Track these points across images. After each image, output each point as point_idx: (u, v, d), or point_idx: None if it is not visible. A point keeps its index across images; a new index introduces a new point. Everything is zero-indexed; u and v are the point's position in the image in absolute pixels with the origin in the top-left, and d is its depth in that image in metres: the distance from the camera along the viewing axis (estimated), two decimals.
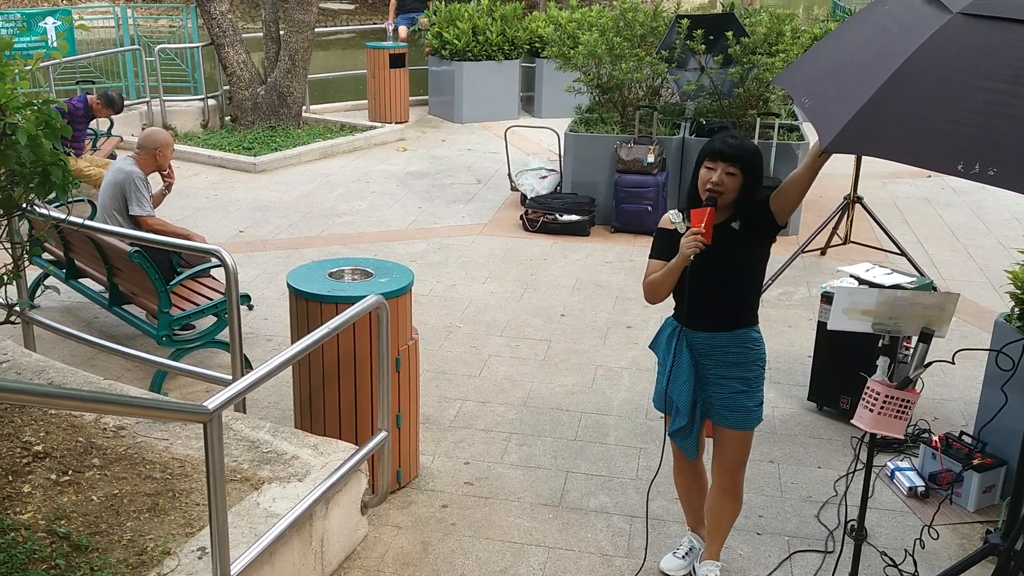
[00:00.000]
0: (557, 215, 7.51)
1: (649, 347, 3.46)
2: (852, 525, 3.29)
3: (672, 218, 3.21)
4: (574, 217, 7.49)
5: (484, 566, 3.61)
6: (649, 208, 7.34)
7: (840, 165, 7.49)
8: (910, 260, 6.46)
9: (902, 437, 3.13)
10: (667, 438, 3.38)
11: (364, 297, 3.49)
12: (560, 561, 3.64)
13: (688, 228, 3.06)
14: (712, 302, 3.14)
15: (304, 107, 11.00)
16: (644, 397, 4.88)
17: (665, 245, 3.18)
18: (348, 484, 3.56)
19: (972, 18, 2.45)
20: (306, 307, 3.82)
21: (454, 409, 4.81)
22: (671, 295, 3.21)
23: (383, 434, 3.70)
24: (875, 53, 2.68)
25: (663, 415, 3.41)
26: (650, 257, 3.23)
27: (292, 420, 4.22)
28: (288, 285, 3.90)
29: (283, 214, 8.00)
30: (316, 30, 10.75)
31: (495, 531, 3.82)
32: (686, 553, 3.56)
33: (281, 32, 10.47)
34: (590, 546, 3.74)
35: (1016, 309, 4.01)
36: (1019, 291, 3.98)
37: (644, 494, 4.05)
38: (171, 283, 4.86)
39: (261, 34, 10.74)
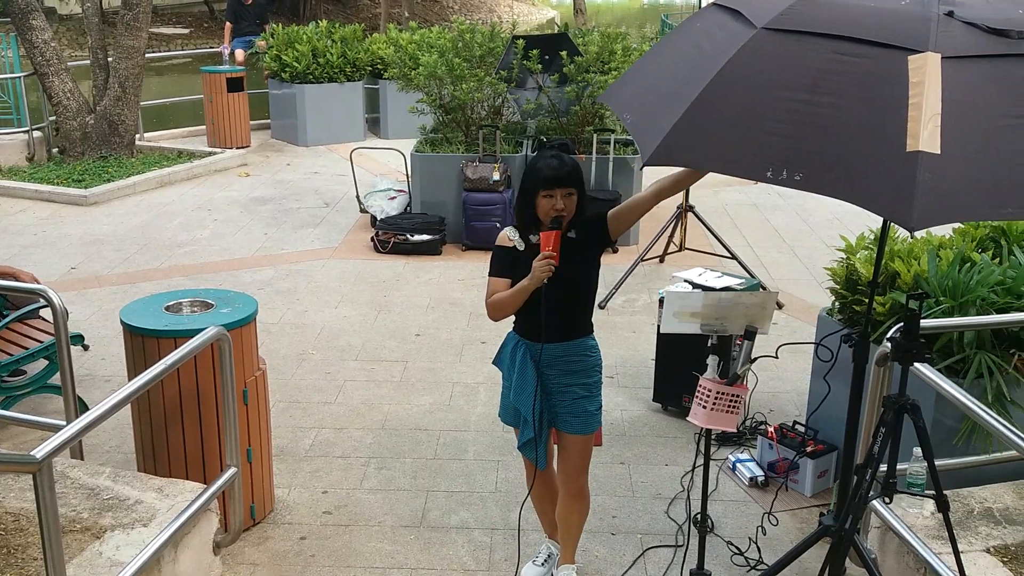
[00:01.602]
0: (408, 235, 7.52)
1: (493, 363, 3.52)
2: (697, 518, 3.44)
3: (510, 235, 3.29)
4: (425, 237, 7.52)
5: None
6: (497, 224, 7.47)
7: None
8: (740, 262, 6.82)
9: (734, 430, 3.31)
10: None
11: (204, 329, 3.39)
12: None
13: (526, 245, 3.15)
14: (558, 316, 3.22)
15: (137, 135, 10.56)
16: None
17: (506, 262, 3.25)
18: (198, 525, 3.43)
19: (775, 32, 2.59)
20: (142, 344, 3.67)
21: (309, 438, 4.72)
22: None
23: (232, 470, 3.60)
24: (689, 69, 2.81)
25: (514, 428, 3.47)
26: (491, 275, 3.30)
27: (135, 464, 4.04)
28: (122, 321, 3.74)
29: (118, 248, 7.65)
30: (148, 55, 10.36)
31: (356, 558, 3.77)
32: (545, 560, 3.63)
33: (110, 59, 10.03)
34: (453, 563, 3.75)
35: (836, 303, 4.30)
36: (838, 286, 4.27)
37: (504, 507, 4.11)
38: None
39: (88, 61, 10.26)
